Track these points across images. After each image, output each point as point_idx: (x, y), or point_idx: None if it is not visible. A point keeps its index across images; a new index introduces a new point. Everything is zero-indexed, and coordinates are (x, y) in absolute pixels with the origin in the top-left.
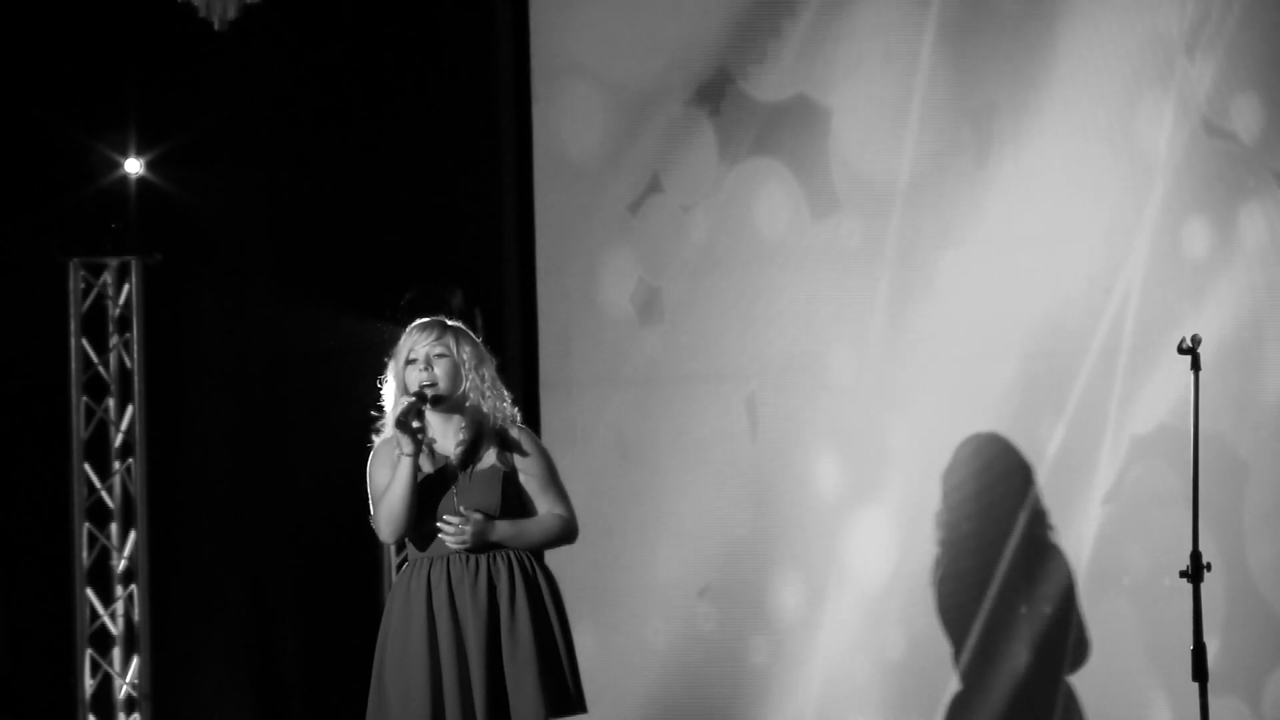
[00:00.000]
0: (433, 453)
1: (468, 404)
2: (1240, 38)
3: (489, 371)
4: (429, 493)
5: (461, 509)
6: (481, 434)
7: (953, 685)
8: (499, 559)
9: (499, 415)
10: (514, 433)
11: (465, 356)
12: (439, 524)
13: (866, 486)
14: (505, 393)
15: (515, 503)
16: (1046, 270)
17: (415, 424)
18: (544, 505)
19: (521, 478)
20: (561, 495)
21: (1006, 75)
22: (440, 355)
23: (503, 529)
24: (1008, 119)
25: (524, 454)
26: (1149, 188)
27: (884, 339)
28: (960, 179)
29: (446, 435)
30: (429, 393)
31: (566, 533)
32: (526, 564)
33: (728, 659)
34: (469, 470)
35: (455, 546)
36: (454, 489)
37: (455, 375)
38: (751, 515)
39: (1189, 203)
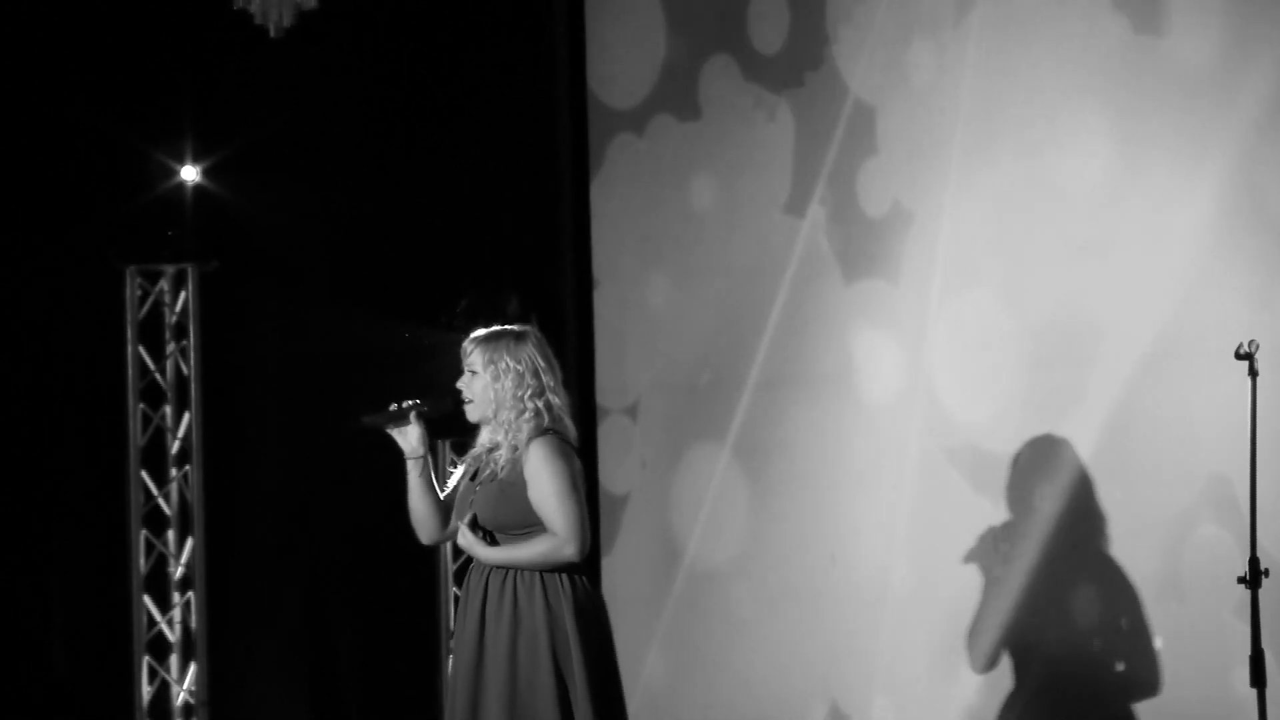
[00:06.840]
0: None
1: (497, 419)
2: None
3: (528, 383)
4: (466, 499)
5: (464, 521)
6: (503, 445)
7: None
8: (496, 575)
9: (514, 430)
10: (529, 447)
11: (492, 373)
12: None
13: (918, 495)
14: (538, 404)
15: (518, 519)
16: (1099, 274)
17: (389, 428)
18: (545, 523)
19: (529, 492)
20: (562, 513)
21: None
22: (473, 374)
23: (486, 554)
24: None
25: (533, 469)
26: (1202, 189)
27: (935, 345)
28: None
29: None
30: (406, 405)
31: (551, 554)
32: (522, 586)
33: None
34: (488, 480)
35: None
36: (471, 498)
37: (483, 393)
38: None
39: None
